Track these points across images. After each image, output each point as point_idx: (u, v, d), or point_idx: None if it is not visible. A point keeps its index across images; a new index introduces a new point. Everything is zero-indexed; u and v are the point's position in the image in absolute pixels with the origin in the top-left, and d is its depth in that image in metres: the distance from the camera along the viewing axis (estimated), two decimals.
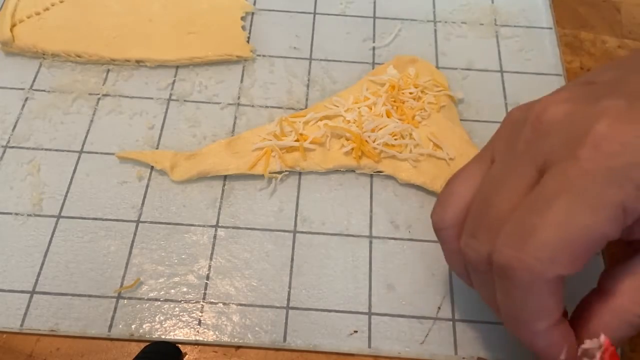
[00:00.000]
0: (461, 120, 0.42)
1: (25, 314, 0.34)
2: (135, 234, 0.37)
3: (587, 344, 0.26)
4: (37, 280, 0.35)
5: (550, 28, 0.48)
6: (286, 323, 0.34)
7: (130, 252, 0.36)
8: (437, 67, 0.45)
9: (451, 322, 0.34)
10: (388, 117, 0.41)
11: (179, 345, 0.33)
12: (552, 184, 0.25)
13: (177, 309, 0.34)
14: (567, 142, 0.26)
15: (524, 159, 0.27)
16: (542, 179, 0.26)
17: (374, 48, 0.46)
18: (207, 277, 0.35)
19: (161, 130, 0.41)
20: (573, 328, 0.28)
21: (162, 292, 0.35)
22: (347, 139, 0.40)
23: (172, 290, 0.35)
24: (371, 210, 0.38)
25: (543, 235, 0.25)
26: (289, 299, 0.35)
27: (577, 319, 0.28)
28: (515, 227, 0.26)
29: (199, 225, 0.37)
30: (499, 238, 0.26)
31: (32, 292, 0.34)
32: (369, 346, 0.34)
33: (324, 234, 0.37)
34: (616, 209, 0.24)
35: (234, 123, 0.42)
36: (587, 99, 0.27)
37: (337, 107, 0.42)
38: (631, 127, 0.25)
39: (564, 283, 0.26)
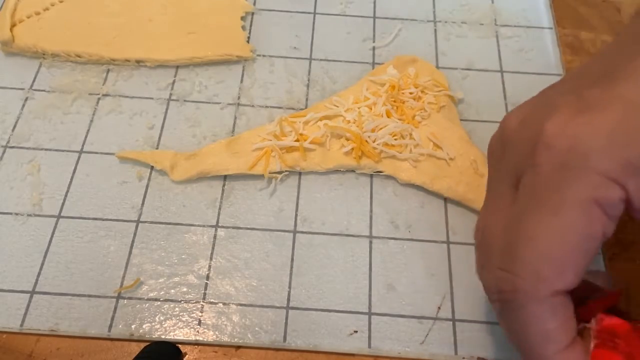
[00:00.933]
0: (461, 120, 0.42)
1: (25, 314, 0.34)
2: (135, 234, 0.37)
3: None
4: (37, 280, 0.35)
5: (551, 28, 0.48)
6: (286, 323, 0.34)
7: (130, 252, 0.36)
8: (437, 67, 0.45)
9: (451, 322, 0.34)
10: (388, 117, 0.41)
11: (179, 345, 0.33)
12: (522, 198, 0.25)
13: (177, 309, 0.34)
14: (526, 150, 0.25)
15: (501, 177, 0.27)
16: (516, 194, 0.25)
17: (374, 48, 0.46)
18: (207, 277, 0.35)
19: (161, 130, 0.41)
20: None
21: (162, 292, 0.35)
22: (347, 139, 0.40)
23: (172, 290, 0.35)
24: (371, 210, 0.38)
25: (522, 253, 0.24)
26: (289, 299, 0.35)
27: None
28: (501, 250, 0.25)
29: (199, 225, 0.37)
30: (494, 264, 0.25)
31: (32, 292, 0.34)
32: (369, 346, 0.34)
33: (324, 234, 0.37)
34: (585, 205, 0.23)
35: (234, 123, 0.42)
36: (543, 101, 0.26)
37: (337, 107, 0.42)
38: (580, 117, 0.24)
39: (569, 302, 0.24)
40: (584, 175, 0.23)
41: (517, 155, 0.26)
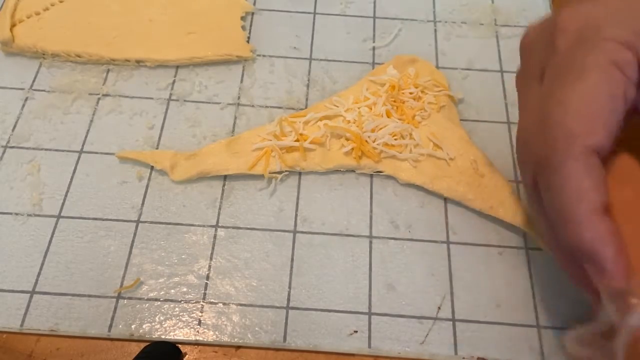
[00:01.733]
0: (461, 120, 0.42)
1: (25, 314, 0.34)
2: (135, 234, 0.37)
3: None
4: (37, 280, 0.35)
5: None
6: (286, 323, 0.34)
7: (130, 252, 0.36)
8: (437, 67, 0.45)
9: (451, 322, 0.34)
10: (388, 117, 0.41)
11: (179, 345, 0.33)
12: (548, 80, 0.28)
13: (177, 309, 0.34)
14: (546, 42, 0.28)
15: (527, 78, 0.30)
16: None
17: (374, 48, 0.46)
18: (207, 277, 0.35)
19: (161, 130, 0.41)
20: None
21: (162, 292, 0.35)
22: (347, 139, 0.40)
23: (172, 290, 0.35)
24: (371, 210, 0.38)
25: (553, 117, 0.26)
26: (289, 299, 0.35)
27: None
28: (534, 126, 0.28)
29: (199, 225, 0.37)
30: (530, 144, 0.28)
31: (32, 292, 0.35)
32: (369, 346, 0.34)
33: (324, 234, 0.37)
34: (605, 68, 0.25)
35: (234, 123, 0.42)
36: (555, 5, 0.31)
37: (337, 107, 0.41)
38: (589, 2, 0.27)
39: (602, 166, 0.25)
40: (600, 43, 0.26)
41: (540, 51, 0.29)
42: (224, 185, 0.39)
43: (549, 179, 0.26)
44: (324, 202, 0.39)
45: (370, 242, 0.37)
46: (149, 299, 0.35)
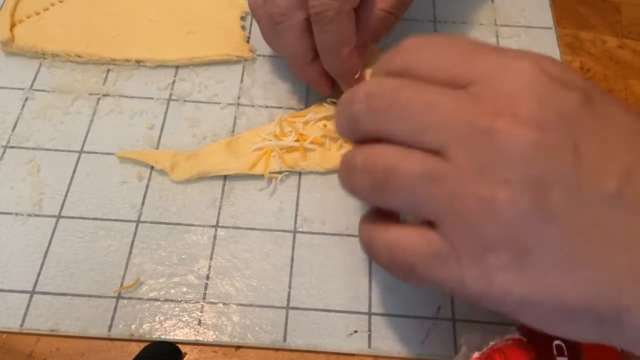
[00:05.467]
0: None
1: (25, 314, 0.34)
2: (135, 234, 0.37)
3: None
4: (37, 280, 0.35)
5: (550, 28, 0.48)
6: (286, 323, 0.34)
7: (130, 252, 0.36)
8: None
9: (451, 322, 0.34)
10: None
11: (179, 345, 0.33)
12: None
13: (177, 309, 0.34)
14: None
15: None
16: None
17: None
18: (207, 277, 0.35)
19: (161, 130, 0.41)
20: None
21: (162, 292, 0.35)
22: (347, 140, 0.40)
23: (172, 290, 0.35)
24: None
25: None
26: (289, 299, 0.35)
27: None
28: None
29: (199, 225, 0.37)
30: None
31: (32, 292, 0.35)
32: (369, 346, 0.34)
33: (324, 234, 0.37)
34: None
35: (234, 123, 0.42)
36: None
37: None
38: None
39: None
40: None
41: None
42: (224, 185, 0.39)
43: (324, 25, 0.34)
44: (324, 202, 0.39)
45: None
46: (149, 299, 0.35)
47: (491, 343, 0.28)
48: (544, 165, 0.21)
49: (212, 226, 0.37)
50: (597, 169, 0.21)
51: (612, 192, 0.21)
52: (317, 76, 0.39)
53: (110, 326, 0.34)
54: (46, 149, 0.40)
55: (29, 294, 0.34)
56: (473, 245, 0.22)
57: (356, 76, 0.37)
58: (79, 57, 0.44)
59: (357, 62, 0.37)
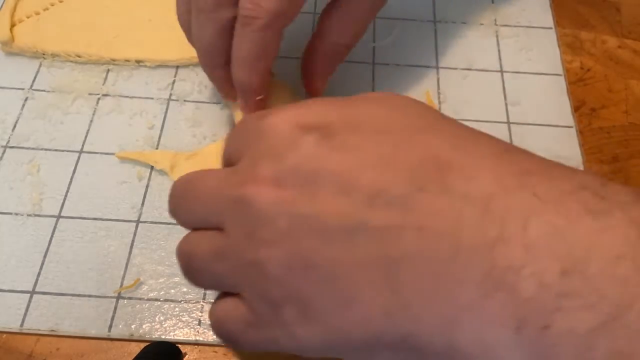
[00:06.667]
0: (461, 120, 0.42)
1: (25, 314, 0.34)
2: (135, 234, 0.37)
3: None
4: (37, 280, 0.35)
5: (550, 28, 0.48)
6: None
7: (130, 252, 0.36)
8: (437, 67, 0.45)
9: None
10: None
11: (179, 345, 0.33)
12: None
13: (177, 309, 0.34)
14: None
15: None
16: None
17: (374, 48, 0.46)
18: None
19: (161, 130, 0.41)
20: (305, 73, 0.39)
21: (162, 292, 0.35)
22: None
23: (172, 290, 0.35)
24: None
25: None
26: None
27: (305, 62, 0.38)
28: None
29: None
30: None
31: (32, 292, 0.34)
32: None
33: None
34: None
35: (234, 123, 0.42)
36: None
37: None
38: None
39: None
40: None
41: None
42: None
43: (249, 34, 0.32)
44: None
45: None
46: (149, 299, 0.35)
47: None
48: (290, 218, 0.21)
49: None
50: (336, 204, 0.21)
51: (355, 223, 0.21)
52: (224, 81, 0.36)
53: (110, 326, 0.34)
54: (46, 149, 0.40)
55: (28, 294, 0.34)
56: (266, 307, 0.23)
57: (258, 97, 0.34)
58: (79, 57, 0.44)
59: (267, 81, 0.35)
